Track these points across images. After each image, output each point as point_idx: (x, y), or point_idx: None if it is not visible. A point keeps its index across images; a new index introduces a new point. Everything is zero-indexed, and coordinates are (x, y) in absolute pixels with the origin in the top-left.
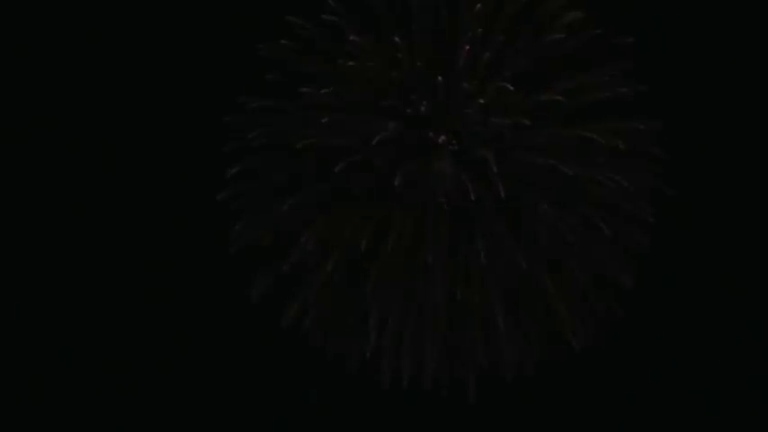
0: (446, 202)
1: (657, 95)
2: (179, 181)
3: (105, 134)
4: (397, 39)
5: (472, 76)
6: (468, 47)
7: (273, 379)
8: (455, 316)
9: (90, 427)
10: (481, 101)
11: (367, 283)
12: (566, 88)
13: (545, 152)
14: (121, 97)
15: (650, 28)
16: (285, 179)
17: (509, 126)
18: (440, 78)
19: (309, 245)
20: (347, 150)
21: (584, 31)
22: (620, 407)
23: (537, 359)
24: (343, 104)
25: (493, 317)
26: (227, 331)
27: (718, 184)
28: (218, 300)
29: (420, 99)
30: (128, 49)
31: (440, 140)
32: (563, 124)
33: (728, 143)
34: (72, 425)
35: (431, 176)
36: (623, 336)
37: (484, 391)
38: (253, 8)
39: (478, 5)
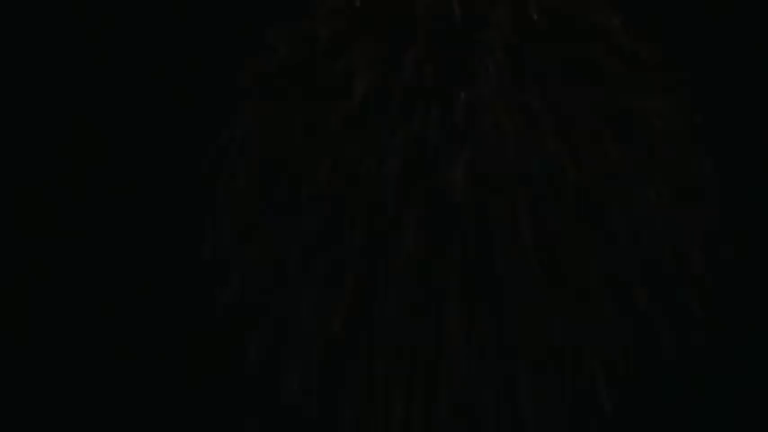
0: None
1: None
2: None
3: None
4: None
5: (490, 83)
6: (489, 58)
7: None
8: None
9: None
10: (501, 113)
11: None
12: (600, 104)
13: (573, 173)
14: (114, 107)
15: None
16: (285, 199)
17: (533, 145)
18: (462, 95)
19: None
20: (351, 166)
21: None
22: None
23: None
24: (343, 114)
25: (515, 375)
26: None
27: None
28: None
29: (428, 107)
30: (122, 58)
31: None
32: (593, 142)
33: None
34: None
35: (443, 192)
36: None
37: None
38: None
39: (501, 11)
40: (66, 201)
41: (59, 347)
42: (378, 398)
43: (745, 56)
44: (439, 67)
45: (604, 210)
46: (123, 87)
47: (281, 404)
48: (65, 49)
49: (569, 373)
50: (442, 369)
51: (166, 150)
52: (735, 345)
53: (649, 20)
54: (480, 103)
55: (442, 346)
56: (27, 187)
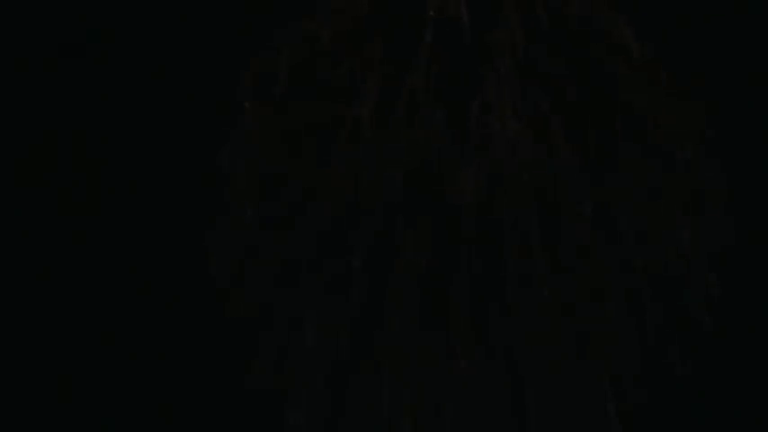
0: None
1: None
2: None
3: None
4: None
5: (498, 86)
6: (498, 60)
7: None
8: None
9: None
10: (509, 115)
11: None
12: (606, 106)
13: (580, 175)
14: (114, 109)
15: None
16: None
17: (541, 146)
18: (475, 101)
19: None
20: (355, 169)
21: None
22: None
23: None
24: (347, 116)
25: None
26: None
27: None
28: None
29: (434, 110)
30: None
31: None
32: (600, 143)
33: None
34: None
35: (450, 194)
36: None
37: None
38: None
39: (509, 13)
40: (64, 201)
41: (56, 349)
42: (383, 402)
43: (753, 58)
44: (445, 70)
45: (610, 211)
46: (123, 88)
47: (284, 424)
48: (65, 49)
49: (574, 375)
50: (449, 370)
51: (167, 151)
52: (740, 349)
53: (657, 22)
54: (488, 105)
55: (448, 347)
56: (27, 188)
